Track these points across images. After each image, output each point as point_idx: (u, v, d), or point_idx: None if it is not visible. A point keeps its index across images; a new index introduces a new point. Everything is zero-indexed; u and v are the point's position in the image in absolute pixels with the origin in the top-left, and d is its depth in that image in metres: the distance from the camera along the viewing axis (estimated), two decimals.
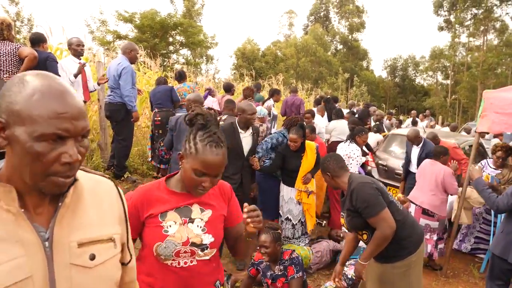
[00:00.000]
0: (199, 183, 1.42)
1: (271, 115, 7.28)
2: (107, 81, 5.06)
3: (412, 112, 14.33)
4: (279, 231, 3.27)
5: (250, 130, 3.82)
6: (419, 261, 2.60)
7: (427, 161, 4.64)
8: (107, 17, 30.87)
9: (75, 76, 4.70)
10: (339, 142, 5.95)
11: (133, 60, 4.99)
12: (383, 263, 2.55)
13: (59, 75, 4.31)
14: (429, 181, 4.41)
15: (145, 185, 1.55)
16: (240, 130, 3.70)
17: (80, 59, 4.90)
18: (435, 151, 4.63)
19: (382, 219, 2.32)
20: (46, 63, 4.16)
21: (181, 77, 6.25)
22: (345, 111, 8.36)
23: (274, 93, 7.84)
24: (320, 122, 7.41)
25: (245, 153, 3.74)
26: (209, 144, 1.39)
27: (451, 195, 4.47)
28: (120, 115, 4.94)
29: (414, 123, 11.69)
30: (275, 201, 4.40)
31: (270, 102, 7.71)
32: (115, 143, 5.18)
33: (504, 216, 3.30)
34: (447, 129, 11.39)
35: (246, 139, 3.75)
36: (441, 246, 4.52)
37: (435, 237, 4.44)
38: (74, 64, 4.75)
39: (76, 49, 4.73)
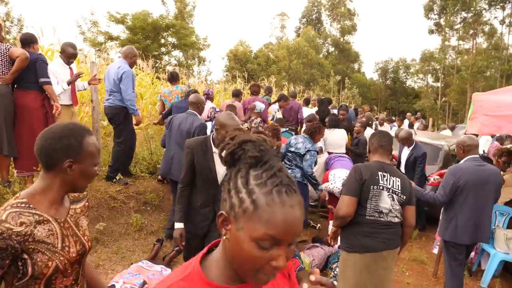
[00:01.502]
0: (266, 262, 0.79)
1: (274, 118, 7.32)
2: (99, 82, 5.04)
3: (408, 114, 14.65)
4: None
5: None
6: (354, 268, 2.65)
7: None
8: (99, 18, 30.61)
9: (68, 84, 4.64)
10: (329, 153, 6.02)
11: (132, 65, 5.03)
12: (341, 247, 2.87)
13: (49, 77, 4.27)
14: None
15: (169, 280, 0.89)
16: (214, 149, 2.85)
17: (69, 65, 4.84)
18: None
19: (342, 200, 2.65)
20: (36, 64, 4.11)
21: (173, 78, 6.09)
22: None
23: (282, 99, 7.69)
24: None
25: (219, 178, 2.89)
26: (276, 190, 0.79)
27: None
28: (119, 118, 4.93)
29: (411, 125, 12.05)
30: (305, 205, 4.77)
31: (276, 106, 7.66)
32: (114, 145, 5.17)
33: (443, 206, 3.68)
34: (448, 131, 11.69)
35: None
36: None
37: None
38: (64, 69, 4.66)
39: (68, 60, 4.68)
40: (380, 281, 2.65)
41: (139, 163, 5.95)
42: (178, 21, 26.32)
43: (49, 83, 4.25)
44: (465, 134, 4.48)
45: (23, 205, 1.27)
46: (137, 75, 9.32)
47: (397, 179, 2.67)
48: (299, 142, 4.70)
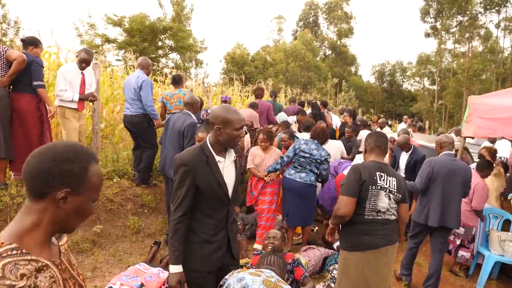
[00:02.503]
0: None
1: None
2: (95, 100, 5.14)
3: (404, 117, 14.67)
4: (285, 233, 3.65)
5: (232, 155, 2.27)
6: (356, 267, 2.68)
7: None
8: (96, 21, 30.58)
9: (82, 99, 4.78)
10: None
11: (148, 74, 5.33)
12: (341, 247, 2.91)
13: (43, 81, 4.26)
14: None
15: None
16: (217, 157, 2.16)
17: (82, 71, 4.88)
18: (478, 164, 4.78)
19: (341, 200, 2.67)
20: (31, 67, 4.10)
21: (175, 82, 6.00)
22: (336, 118, 8.46)
23: (300, 112, 7.55)
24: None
25: (230, 191, 2.23)
26: None
27: (473, 207, 4.40)
28: (144, 125, 5.13)
29: (421, 129, 11.99)
30: (312, 207, 4.75)
31: (294, 118, 7.59)
32: (143, 150, 5.33)
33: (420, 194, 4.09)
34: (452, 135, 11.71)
35: (227, 171, 2.22)
36: (463, 253, 4.58)
37: (458, 242, 4.55)
38: (75, 74, 4.72)
39: (79, 64, 4.71)
40: (381, 276, 2.70)
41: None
42: (175, 24, 26.33)
43: (43, 86, 4.25)
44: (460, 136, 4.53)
45: (14, 251, 0.97)
46: None
47: (393, 178, 2.74)
48: (313, 148, 4.59)
